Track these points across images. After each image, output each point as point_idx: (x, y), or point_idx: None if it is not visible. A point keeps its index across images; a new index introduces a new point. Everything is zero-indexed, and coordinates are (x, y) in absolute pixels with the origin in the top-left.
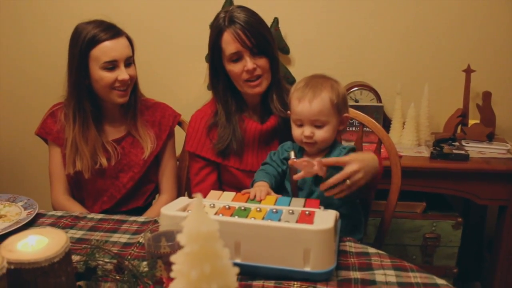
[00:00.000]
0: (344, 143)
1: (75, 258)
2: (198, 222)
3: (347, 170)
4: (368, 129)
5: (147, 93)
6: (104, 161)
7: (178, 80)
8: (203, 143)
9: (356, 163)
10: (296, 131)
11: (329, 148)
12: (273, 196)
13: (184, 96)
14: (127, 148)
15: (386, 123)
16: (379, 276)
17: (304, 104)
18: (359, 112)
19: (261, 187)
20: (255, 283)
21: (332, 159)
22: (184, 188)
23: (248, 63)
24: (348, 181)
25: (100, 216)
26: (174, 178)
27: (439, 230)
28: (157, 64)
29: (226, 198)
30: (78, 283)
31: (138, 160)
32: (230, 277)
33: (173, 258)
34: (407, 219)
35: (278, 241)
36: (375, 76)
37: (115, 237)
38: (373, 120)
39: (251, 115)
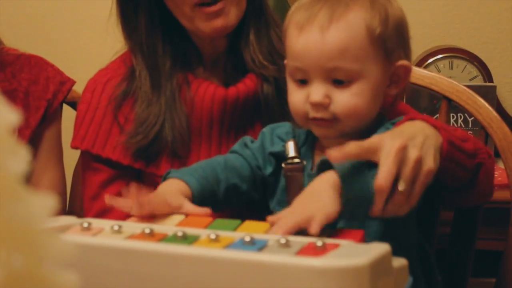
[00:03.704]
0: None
1: None
2: None
3: (387, 157)
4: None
5: (18, 44)
6: None
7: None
8: (107, 133)
9: (391, 139)
10: (295, 95)
11: (368, 129)
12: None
13: (85, 52)
14: None
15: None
16: None
17: (311, 34)
18: (437, 75)
19: (158, 194)
20: None
21: (340, 154)
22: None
23: None
24: (401, 181)
25: None
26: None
27: None
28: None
29: (170, 222)
30: None
31: None
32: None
33: None
34: None
35: None
36: (483, 39)
37: None
38: (471, 91)
39: (207, 74)
